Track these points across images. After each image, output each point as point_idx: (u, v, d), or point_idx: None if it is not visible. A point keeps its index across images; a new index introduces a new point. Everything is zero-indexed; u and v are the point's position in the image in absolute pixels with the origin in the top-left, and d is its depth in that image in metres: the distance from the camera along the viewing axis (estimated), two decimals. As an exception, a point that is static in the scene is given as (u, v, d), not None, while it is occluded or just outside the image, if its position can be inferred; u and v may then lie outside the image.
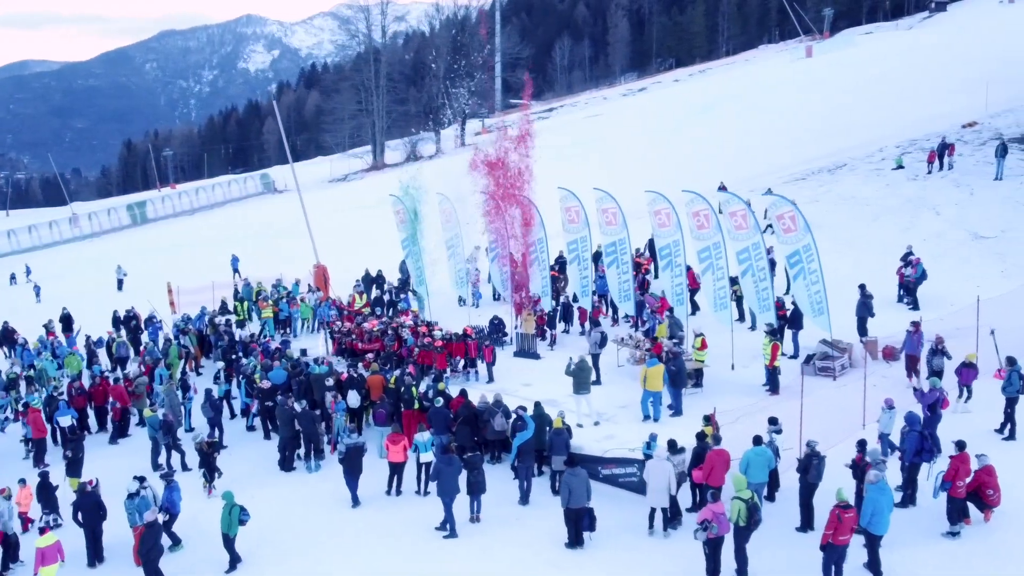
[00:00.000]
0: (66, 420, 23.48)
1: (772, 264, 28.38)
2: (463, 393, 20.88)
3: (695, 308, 28.19)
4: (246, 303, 33.01)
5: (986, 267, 30.42)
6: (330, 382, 22.50)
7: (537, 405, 19.47)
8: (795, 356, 24.33)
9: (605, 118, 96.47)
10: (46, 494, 19.47)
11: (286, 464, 21.43)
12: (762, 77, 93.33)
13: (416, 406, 21.35)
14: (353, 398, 22.24)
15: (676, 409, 21.22)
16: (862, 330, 24.66)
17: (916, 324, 22.14)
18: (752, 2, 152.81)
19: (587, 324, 27.80)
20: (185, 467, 21.93)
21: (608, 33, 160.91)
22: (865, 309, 24.65)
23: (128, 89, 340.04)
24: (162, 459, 22.27)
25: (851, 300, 25.52)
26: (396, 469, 19.67)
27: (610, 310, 29.18)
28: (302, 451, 21.66)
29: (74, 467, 21.09)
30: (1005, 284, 28.63)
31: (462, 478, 17.89)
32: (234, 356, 26.56)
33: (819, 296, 23.02)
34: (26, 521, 19.47)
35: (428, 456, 19.39)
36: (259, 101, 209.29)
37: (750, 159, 54.40)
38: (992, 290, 28.04)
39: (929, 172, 40.41)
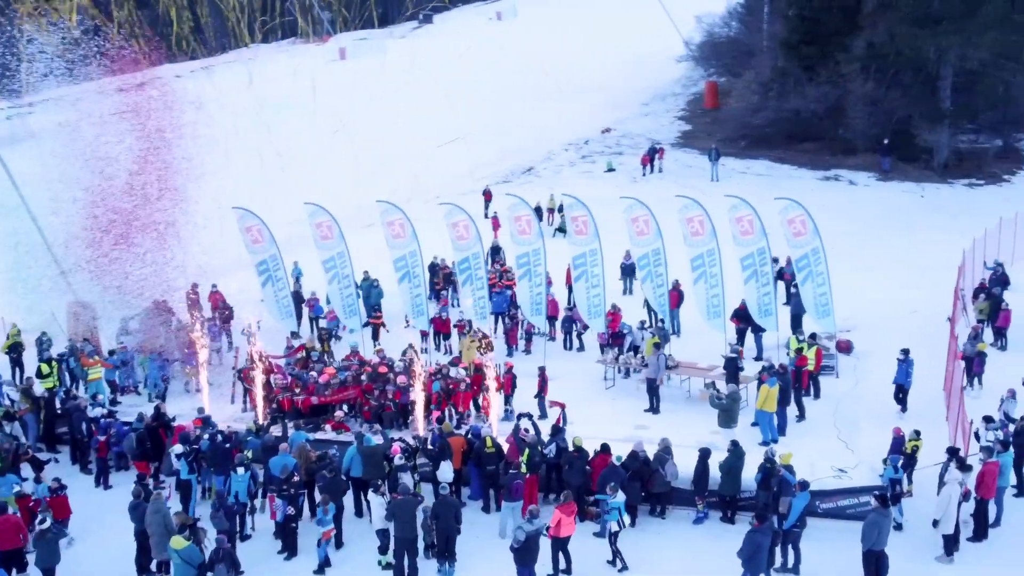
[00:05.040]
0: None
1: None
2: (606, 447, 17.47)
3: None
4: (55, 364, 22.97)
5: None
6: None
7: (735, 445, 17.11)
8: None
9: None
10: None
11: (410, 573, 15.81)
12: (300, 78, 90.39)
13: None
14: (447, 470, 17.21)
15: (781, 428, 20.17)
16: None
17: (906, 352, 21.52)
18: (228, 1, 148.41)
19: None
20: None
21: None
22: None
23: None
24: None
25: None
26: (564, 544, 16.02)
27: (520, 329, 26.74)
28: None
29: None
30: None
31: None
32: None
33: (824, 299, 23.57)
34: None
35: (625, 521, 16.07)
36: None
37: (401, 167, 52.13)
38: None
39: (644, 175, 43.51)
